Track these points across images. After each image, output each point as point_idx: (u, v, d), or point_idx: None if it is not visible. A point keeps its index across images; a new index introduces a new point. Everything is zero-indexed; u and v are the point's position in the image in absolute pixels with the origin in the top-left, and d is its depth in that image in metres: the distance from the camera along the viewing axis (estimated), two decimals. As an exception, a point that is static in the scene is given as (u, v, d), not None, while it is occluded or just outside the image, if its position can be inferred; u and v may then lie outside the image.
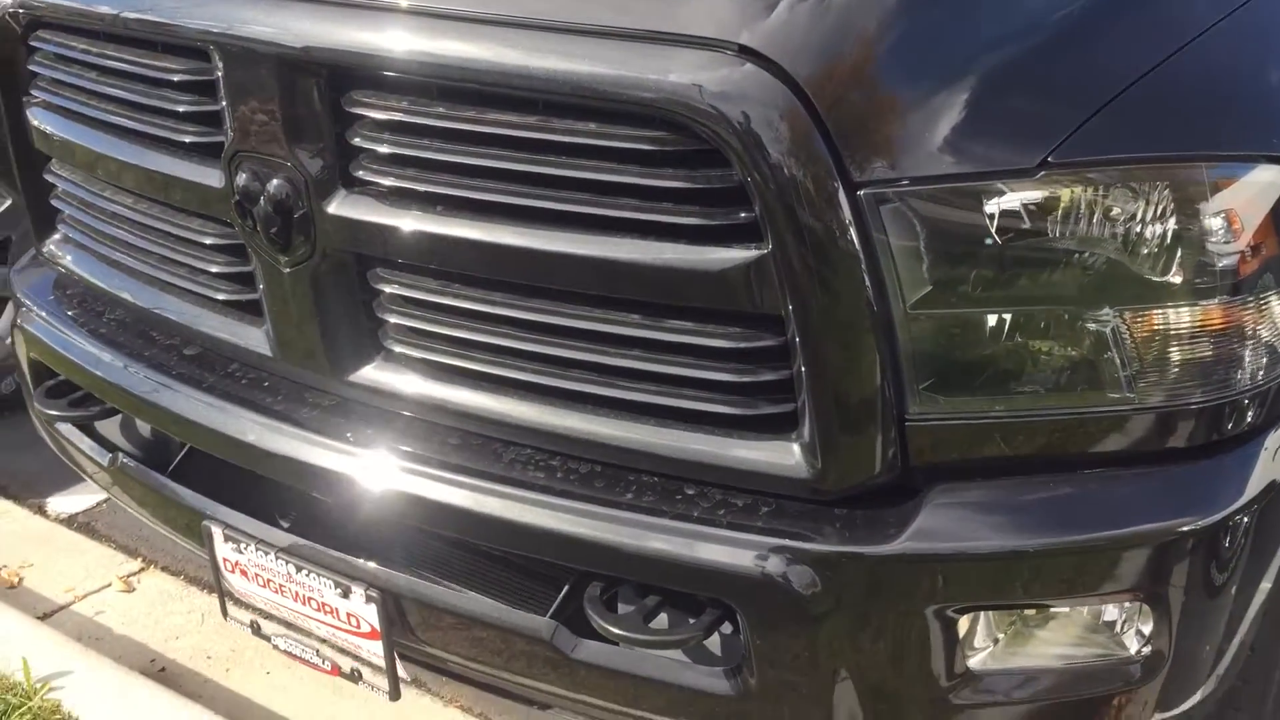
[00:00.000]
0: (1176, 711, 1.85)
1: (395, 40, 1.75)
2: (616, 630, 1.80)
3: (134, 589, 3.31)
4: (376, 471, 1.96)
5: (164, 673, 2.98)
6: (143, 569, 3.37)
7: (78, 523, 3.61)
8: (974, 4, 1.69)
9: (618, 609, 1.86)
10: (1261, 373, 1.76)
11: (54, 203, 2.42)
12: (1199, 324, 1.69)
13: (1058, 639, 1.80)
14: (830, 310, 1.63)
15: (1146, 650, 1.77)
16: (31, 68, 2.28)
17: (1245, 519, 1.77)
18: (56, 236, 2.47)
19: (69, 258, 2.44)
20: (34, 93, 2.31)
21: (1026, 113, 1.64)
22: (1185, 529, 1.72)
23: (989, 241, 1.63)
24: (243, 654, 3.03)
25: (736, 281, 1.65)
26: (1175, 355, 1.70)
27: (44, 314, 2.43)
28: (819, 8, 1.60)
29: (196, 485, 2.24)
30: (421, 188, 1.80)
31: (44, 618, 3.13)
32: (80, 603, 3.25)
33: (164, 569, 3.36)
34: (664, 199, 1.66)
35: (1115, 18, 1.75)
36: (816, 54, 1.59)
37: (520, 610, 1.91)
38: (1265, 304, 1.72)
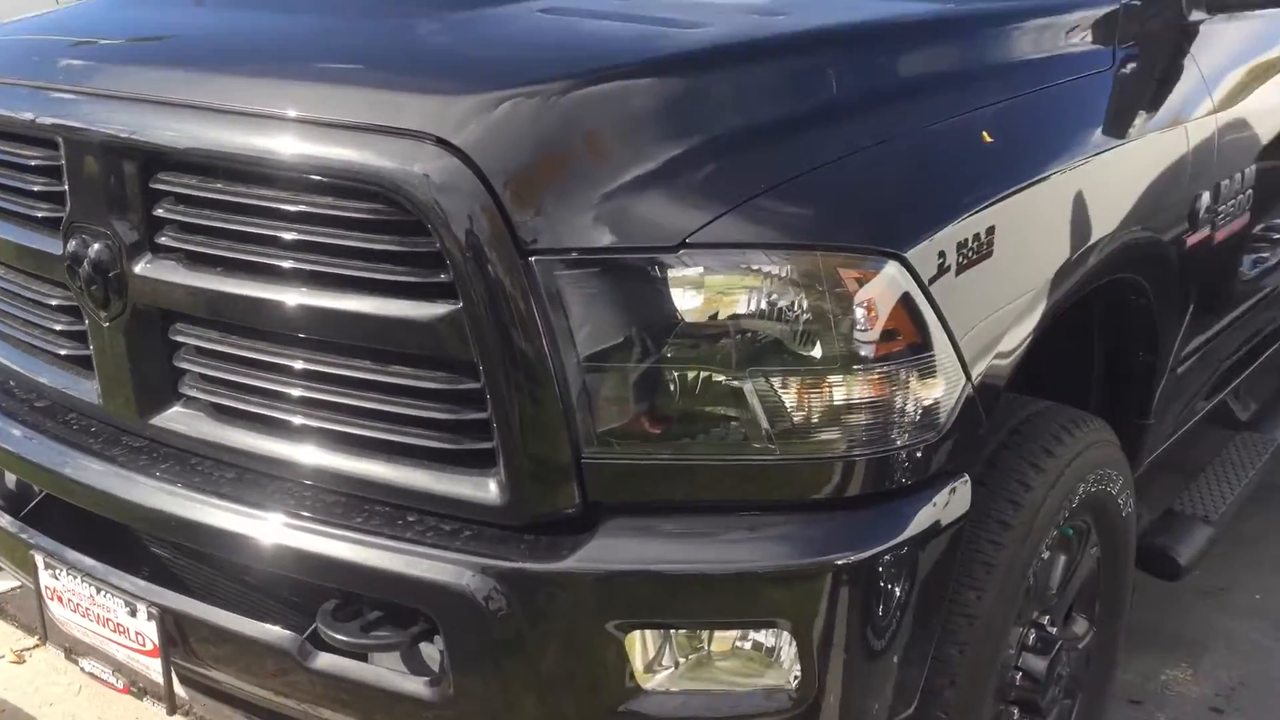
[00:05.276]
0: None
1: (185, 130, 2.13)
2: (338, 636, 2.06)
3: (24, 661, 3.55)
4: (165, 502, 2.26)
5: (28, 729, 3.23)
6: (37, 645, 3.62)
7: (-11, 603, 3.89)
8: (635, 113, 2.02)
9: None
10: (901, 438, 2.02)
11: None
12: (827, 393, 1.95)
13: (718, 664, 2.03)
14: (510, 359, 1.93)
15: (795, 680, 2.01)
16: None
17: (882, 567, 2.00)
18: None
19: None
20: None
21: (673, 203, 1.95)
22: (815, 569, 1.95)
23: (645, 306, 1.94)
24: (103, 722, 3.27)
25: (440, 332, 1.96)
26: (812, 418, 1.96)
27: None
28: (503, 110, 1.95)
29: (38, 527, 2.54)
30: (204, 251, 2.15)
31: (-64, 679, 3.39)
32: (-29, 669, 3.51)
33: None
34: (383, 260, 1.99)
35: (764, 130, 2.08)
36: (497, 146, 1.93)
37: (271, 626, 2.18)
38: (890, 378, 2.00)
